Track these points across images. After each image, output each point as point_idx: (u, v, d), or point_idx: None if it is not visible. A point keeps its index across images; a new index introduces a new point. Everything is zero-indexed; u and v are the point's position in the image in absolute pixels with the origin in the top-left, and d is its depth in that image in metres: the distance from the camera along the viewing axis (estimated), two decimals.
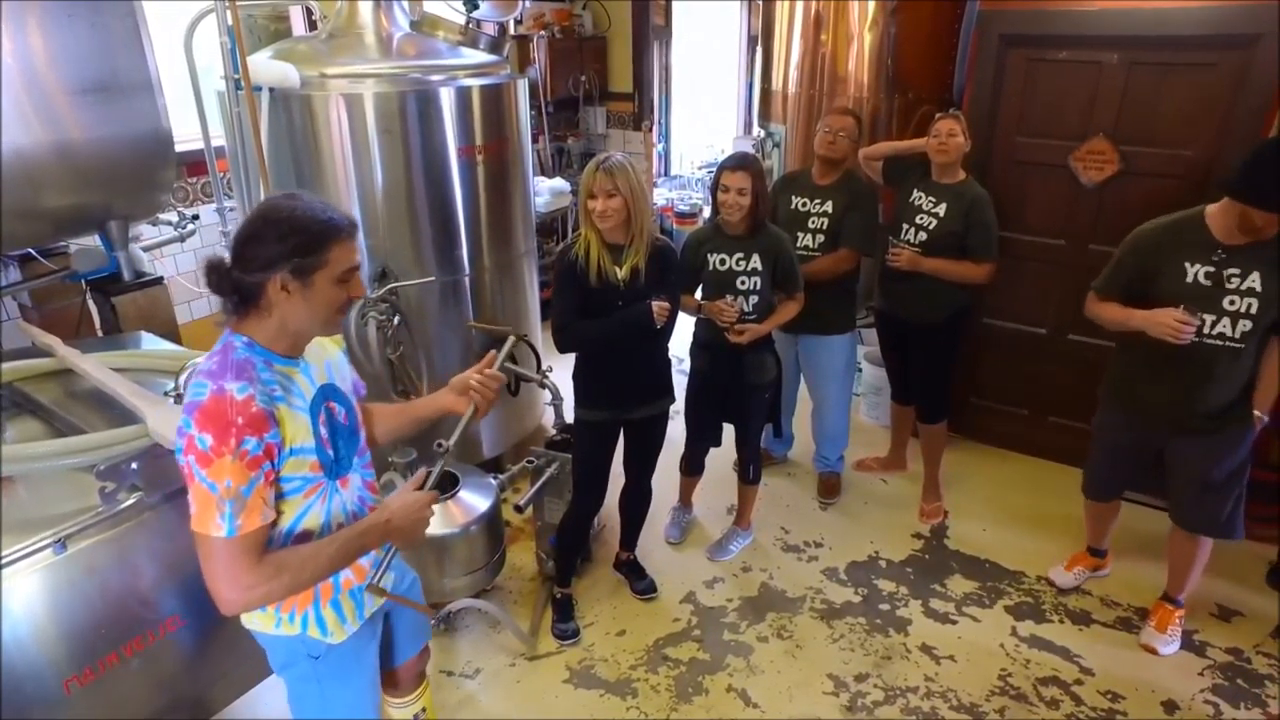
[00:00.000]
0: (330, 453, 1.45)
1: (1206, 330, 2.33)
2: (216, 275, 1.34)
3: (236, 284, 1.34)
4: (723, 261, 2.73)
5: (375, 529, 1.46)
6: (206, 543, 1.29)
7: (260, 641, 1.57)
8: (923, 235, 3.00)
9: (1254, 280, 2.27)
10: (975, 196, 2.94)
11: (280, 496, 1.38)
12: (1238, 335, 2.32)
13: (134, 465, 1.59)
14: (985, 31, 3.33)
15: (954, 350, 3.22)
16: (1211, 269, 2.31)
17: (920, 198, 3.03)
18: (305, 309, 1.36)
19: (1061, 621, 2.84)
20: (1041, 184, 3.33)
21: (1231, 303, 2.30)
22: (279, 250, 1.31)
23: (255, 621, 1.52)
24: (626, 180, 2.25)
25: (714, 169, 7.10)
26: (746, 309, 2.72)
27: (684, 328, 2.83)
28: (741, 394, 2.87)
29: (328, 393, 1.49)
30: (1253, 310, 2.29)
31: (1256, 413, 2.42)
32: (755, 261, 2.70)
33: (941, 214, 2.96)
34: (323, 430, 1.44)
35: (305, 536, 1.43)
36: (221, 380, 1.29)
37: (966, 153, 2.95)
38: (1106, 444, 2.72)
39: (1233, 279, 2.29)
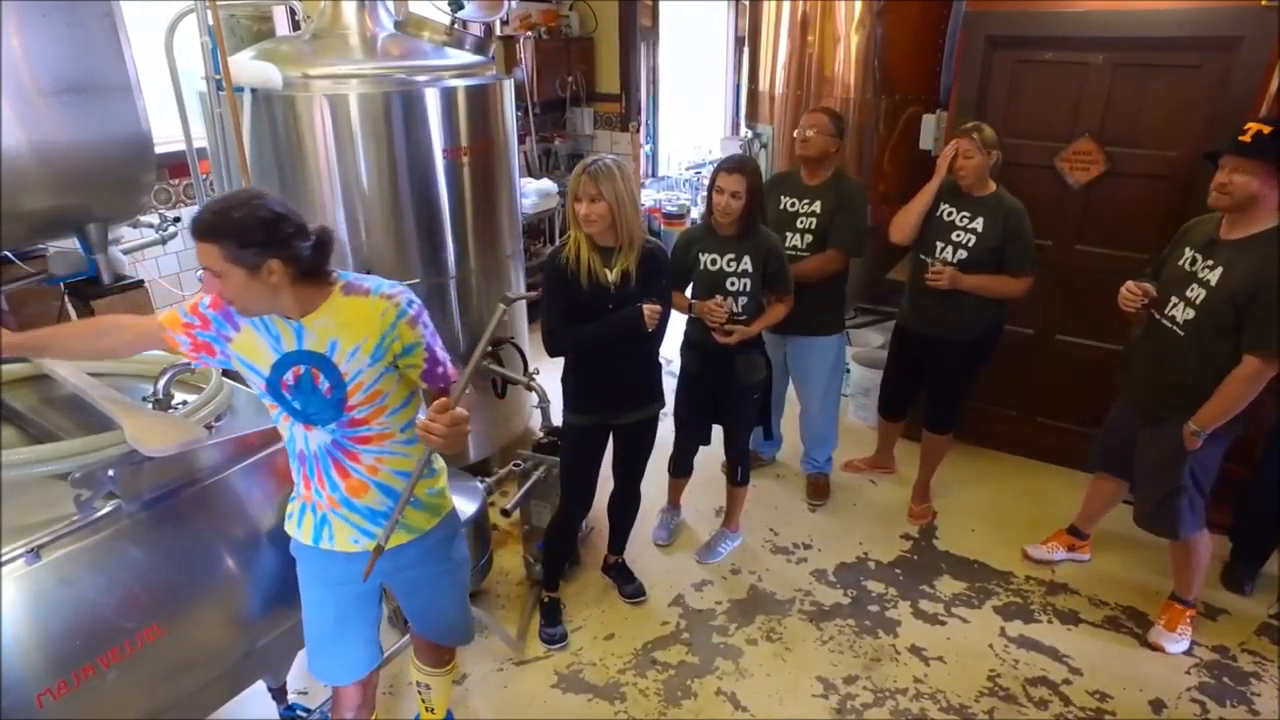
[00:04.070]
0: (290, 400, 1.64)
1: (1163, 311, 2.41)
2: None
3: None
4: (714, 262, 2.72)
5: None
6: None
7: None
8: (962, 254, 2.89)
9: (1214, 274, 2.30)
10: (1010, 208, 2.86)
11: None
12: (1181, 321, 2.37)
13: (110, 473, 1.56)
14: (971, 32, 3.33)
15: (983, 365, 3.16)
16: (1197, 256, 2.37)
17: (951, 213, 2.92)
18: None
19: (1050, 621, 2.84)
20: (1028, 185, 3.32)
21: (1191, 290, 2.35)
22: None
23: None
24: (612, 185, 2.22)
25: (701, 169, 7.14)
26: (736, 309, 2.71)
27: (674, 328, 2.82)
28: (731, 394, 2.86)
29: (314, 360, 1.61)
30: (1198, 300, 2.32)
31: (1191, 424, 2.34)
32: (746, 263, 2.69)
33: (980, 229, 2.87)
34: (289, 378, 1.62)
35: (283, 437, 1.74)
36: None
37: (994, 164, 2.85)
38: (1109, 419, 2.78)
39: (1204, 269, 2.34)
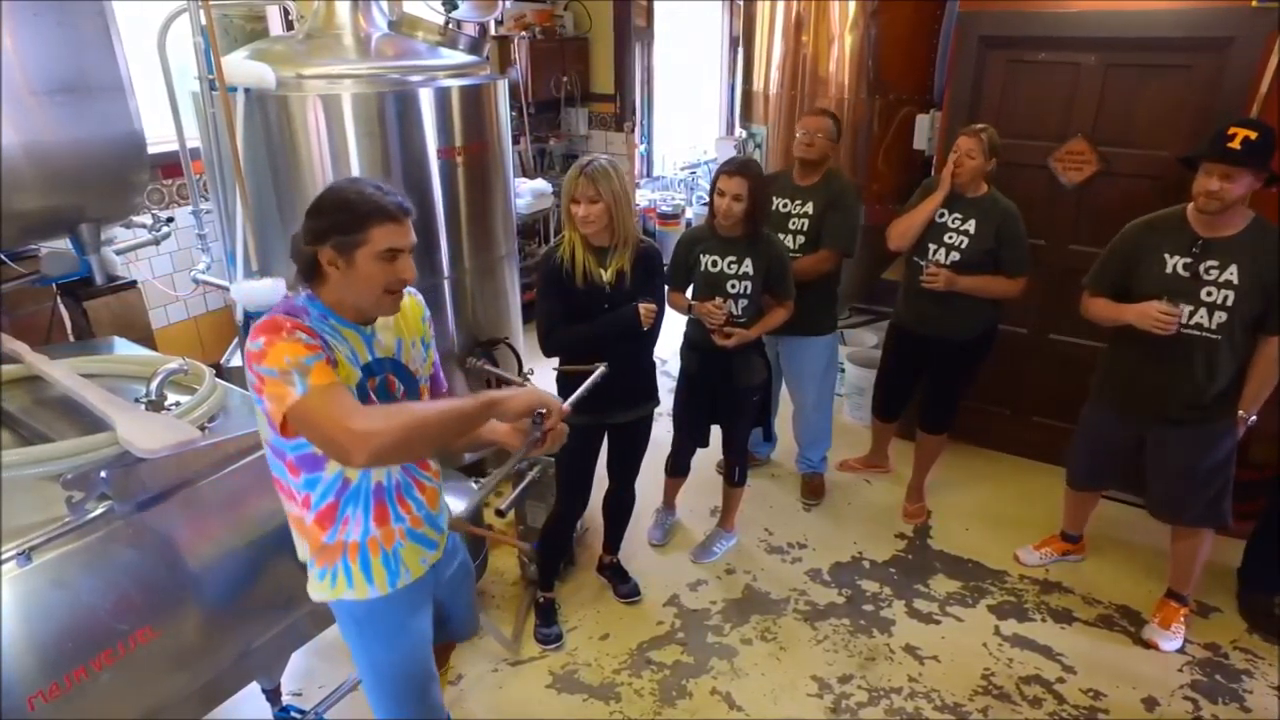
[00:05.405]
0: None
1: (1185, 321, 2.39)
2: (294, 245, 1.47)
3: (301, 254, 1.45)
4: (715, 263, 2.71)
5: (479, 401, 1.45)
6: (298, 412, 1.32)
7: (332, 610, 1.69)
8: (955, 255, 2.89)
9: (1231, 273, 2.32)
10: (1005, 211, 2.87)
11: None
12: (1214, 326, 2.37)
13: (103, 474, 1.55)
14: (965, 32, 3.34)
15: (979, 365, 3.17)
16: (1189, 261, 2.38)
17: (943, 214, 2.93)
18: (352, 283, 1.44)
19: (1044, 620, 2.85)
20: (1022, 184, 3.34)
21: (1209, 294, 2.36)
22: (326, 224, 1.40)
23: (316, 590, 1.63)
24: (609, 186, 2.23)
25: (696, 169, 7.14)
26: (735, 312, 2.71)
27: (673, 329, 2.82)
28: (730, 395, 2.86)
29: (389, 365, 1.56)
30: (1228, 302, 2.34)
31: (1241, 412, 2.44)
32: (748, 266, 2.69)
33: (972, 231, 2.88)
34: (372, 394, 1.51)
35: (345, 483, 1.51)
36: (276, 311, 1.42)
37: (989, 170, 2.87)
38: (1091, 434, 2.77)
39: (1210, 270, 2.35)
